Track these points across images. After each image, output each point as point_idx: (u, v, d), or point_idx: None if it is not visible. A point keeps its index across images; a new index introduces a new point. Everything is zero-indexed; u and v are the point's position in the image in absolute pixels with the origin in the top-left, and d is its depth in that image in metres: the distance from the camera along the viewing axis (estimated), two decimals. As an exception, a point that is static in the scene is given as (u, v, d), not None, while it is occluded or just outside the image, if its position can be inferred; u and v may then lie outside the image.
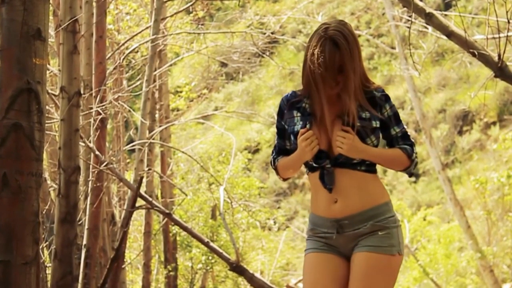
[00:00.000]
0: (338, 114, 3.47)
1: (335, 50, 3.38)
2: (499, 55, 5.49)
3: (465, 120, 23.76)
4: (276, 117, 3.64)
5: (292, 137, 3.51)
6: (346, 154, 3.41)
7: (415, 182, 23.47)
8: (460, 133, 23.61)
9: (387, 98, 3.54)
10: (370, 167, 3.51)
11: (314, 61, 3.37)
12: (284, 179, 3.73)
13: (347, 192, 3.47)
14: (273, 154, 3.66)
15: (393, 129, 3.53)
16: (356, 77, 3.44)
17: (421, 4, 5.74)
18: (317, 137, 3.44)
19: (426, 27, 13.88)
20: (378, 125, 3.47)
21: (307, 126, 3.45)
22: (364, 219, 3.46)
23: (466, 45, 5.51)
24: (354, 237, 3.47)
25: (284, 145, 3.62)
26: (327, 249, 3.53)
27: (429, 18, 5.63)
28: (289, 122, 3.54)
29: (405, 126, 3.59)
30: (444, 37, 5.85)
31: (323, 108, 3.45)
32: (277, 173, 3.69)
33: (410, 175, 3.70)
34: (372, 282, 3.43)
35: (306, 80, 3.44)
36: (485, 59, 5.56)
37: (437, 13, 5.69)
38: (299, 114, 3.51)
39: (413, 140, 3.61)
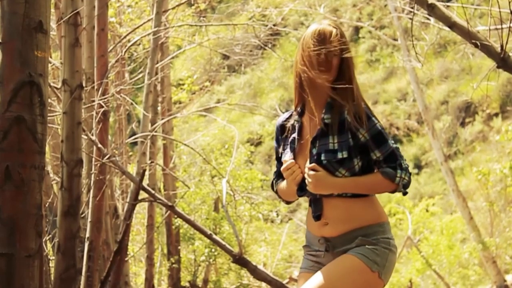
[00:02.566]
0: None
1: (336, 30, 3.35)
2: (501, 46, 5.47)
3: (467, 111, 23.73)
4: (274, 142, 3.63)
5: (279, 165, 3.56)
6: (315, 192, 3.35)
7: (417, 173, 23.44)
8: (463, 124, 23.58)
9: (361, 121, 3.31)
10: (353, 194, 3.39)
11: (306, 63, 3.32)
12: (288, 203, 3.68)
13: (336, 217, 3.37)
14: (274, 177, 3.65)
15: (373, 154, 3.34)
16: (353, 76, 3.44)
17: (423, -5, 5.72)
18: (301, 165, 3.38)
19: (428, 18, 13.85)
20: (345, 156, 3.28)
21: (291, 156, 3.41)
22: (354, 237, 3.34)
23: (469, 36, 5.49)
24: (339, 255, 3.37)
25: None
26: (317, 269, 3.41)
27: (431, 9, 5.61)
28: (282, 148, 3.53)
29: (390, 145, 3.33)
30: (447, 28, 5.84)
31: (311, 122, 3.40)
32: (279, 197, 3.66)
33: (404, 194, 3.48)
34: (336, 277, 3.25)
35: (299, 88, 3.41)
36: (487, 50, 5.55)
37: (439, 4, 5.68)
38: (287, 141, 3.48)
39: (400, 159, 3.36)
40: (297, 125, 3.43)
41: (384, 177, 3.34)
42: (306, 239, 3.55)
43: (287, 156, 3.41)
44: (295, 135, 3.42)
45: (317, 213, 3.39)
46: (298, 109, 3.45)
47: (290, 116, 3.50)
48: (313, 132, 3.37)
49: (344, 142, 3.29)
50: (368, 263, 3.24)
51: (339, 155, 3.29)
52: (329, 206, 3.37)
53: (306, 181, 3.33)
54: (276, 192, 3.64)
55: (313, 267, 3.45)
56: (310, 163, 3.33)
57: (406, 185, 3.39)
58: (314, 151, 3.34)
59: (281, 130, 3.53)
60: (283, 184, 3.53)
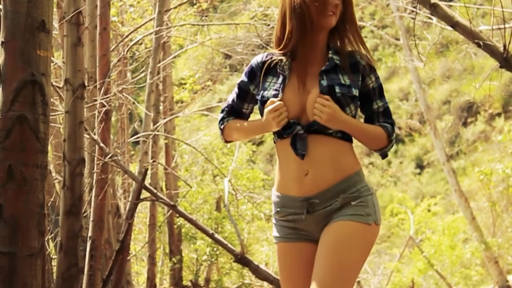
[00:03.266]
0: (318, 73, 3.15)
1: None
2: (504, 46, 5.47)
3: (469, 111, 23.71)
4: (243, 76, 3.30)
5: (259, 103, 3.22)
6: (325, 124, 3.09)
7: (419, 173, 23.45)
8: (465, 124, 23.57)
9: (372, 68, 3.22)
10: (346, 134, 3.17)
11: None
12: (227, 142, 3.42)
13: (320, 162, 3.11)
14: (223, 113, 3.35)
15: (375, 103, 3.22)
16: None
17: (425, -6, 5.71)
18: (289, 104, 3.12)
19: (430, 18, 13.84)
20: (357, 94, 3.14)
21: (279, 95, 3.13)
22: (335, 194, 3.11)
23: (471, 35, 5.49)
24: (325, 215, 3.13)
25: (240, 108, 3.33)
26: (295, 237, 3.21)
27: (434, 9, 5.61)
28: (259, 86, 3.23)
29: (387, 102, 3.29)
30: (449, 28, 5.84)
31: (307, 64, 3.16)
32: (222, 134, 3.37)
33: (384, 156, 3.32)
34: (343, 251, 3.03)
35: (297, 24, 3.13)
36: (490, 50, 5.55)
37: (442, 4, 5.68)
38: (273, 79, 3.20)
39: (393, 119, 3.30)
40: (287, 64, 3.17)
41: (384, 131, 3.22)
42: (277, 203, 3.23)
43: (270, 95, 3.14)
44: (284, 74, 3.16)
45: (303, 151, 3.09)
46: (284, 50, 3.19)
47: (272, 56, 3.22)
48: (312, 70, 3.16)
49: (355, 82, 3.14)
50: (363, 220, 3.09)
51: (354, 92, 3.12)
52: (316, 146, 3.11)
53: (315, 111, 3.07)
54: (222, 129, 3.34)
55: (291, 235, 3.21)
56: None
57: (392, 146, 3.29)
58: (324, 83, 3.11)
59: (262, 67, 3.22)
60: (243, 124, 3.27)
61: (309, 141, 3.12)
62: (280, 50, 3.20)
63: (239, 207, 15.55)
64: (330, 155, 3.12)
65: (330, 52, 3.18)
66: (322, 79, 3.13)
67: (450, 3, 7.58)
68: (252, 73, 3.26)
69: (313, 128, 3.12)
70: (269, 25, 13.69)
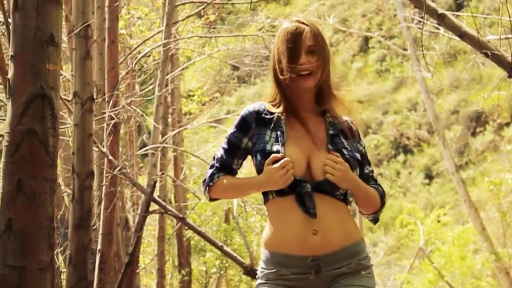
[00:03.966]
0: (320, 134, 3.09)
1: (307, 28, 3.07)
2: (512, 55, 5.46)
3: (478, 121, 23.67)
4: (233, 129, 3.13)
5: (259, 157, 3.04)
6: (337, 183, 2.99)
7: (428, 184, 23.40)
8: (474, 134, 23.52)
9: (359, 135, 3.19)
10: (346, 197, 3.09)
11: (282, 59, 3.04)
12: (212, 200, 3.23)
13: (328, 222, 2.98)
14: (213, 169, 3.15)
15: (366, 168, 3.17)
16: (328, 75, 3.11)
17: (433, 5, 5.72)
18: (294, 161, 2.99)
19: (438, 28, 13.82)
20: (360, 158, 3.11)
21: (282, 150, 3.00)
22: (346, 256, 3.00)
23: (479, 45, 5.48)
24: (331, 277, 2.99)
25: (230, 163, 3.15)
26: None
27: (441, 19, 5.60)
28: (256, 139, 3.07)
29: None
30: (457, 38, 5.83)
31: (303, 121, 3.08)
32: (208, 191, 3.17)
33: (376, 221, 3.25)
34: None
35: (278, 87, 3.09)
36: (498, 60, 5.54)
37: (449, 14, 5.67)
38: (273, 132, 3.06)
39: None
40: (282, 119, 3.07)
41: (378, 194, 3.16)
42: (275, 263, 3.02)
43: (274, 149, 3.00)
44: (281, 129, 3.05)
45: (314, 210, 2.96)
46: (275, 102, 3.12)
47: (264, 107, 3.11)
48: (311, 129, 3.09)
49: (354, 147, 3.12)
50: None
51: (357, 155, 3.09)
52: (323, 206, 2.99)
53: (326, 169, 2.97)
54: (210, 186, 3.15)
55: None
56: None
57: (380, 213, 3.23)
58: (331, 147, 3.04)
59: (256, 118, 3.09)
60: (237, 181, 3.13)
61: (317, 201, 2.99)
62: (272, 104, 3.12)
63: (248, 219, 15.54)
64: (337, 216, 3.02)
65: (328, 116, 3.13)
66: (329, 142, 3.07)
67: (458, 13, 7.58)
68: (245, 125, 3.10)
69: (322, 188, 3.00)
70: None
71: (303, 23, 3.08)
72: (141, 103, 13.01)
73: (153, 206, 8.78)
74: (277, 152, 3.00)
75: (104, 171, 7.80)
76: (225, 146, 3.14)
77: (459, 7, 23.83)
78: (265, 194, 3.09)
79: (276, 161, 2.98)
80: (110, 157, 7.65)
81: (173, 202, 14.82)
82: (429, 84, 17.03)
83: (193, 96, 17.38)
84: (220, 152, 3.17)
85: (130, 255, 7.73)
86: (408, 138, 24.42)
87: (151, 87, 12.02)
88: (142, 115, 11.96)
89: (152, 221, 15.22)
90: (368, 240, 20.82)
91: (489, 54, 5.46)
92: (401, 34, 22.40)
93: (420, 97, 21.68)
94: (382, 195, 3.17)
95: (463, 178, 16.82)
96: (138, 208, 10.03)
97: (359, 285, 2.99)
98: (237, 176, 3.20)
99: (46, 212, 3.53)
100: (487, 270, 15.85)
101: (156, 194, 9.03)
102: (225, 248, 8.24)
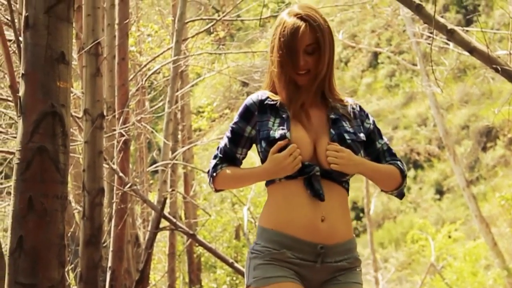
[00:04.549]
0: (321, 118, 3.04)
1: (305, 25, 2.95)
2: (522, 70, 5.45)
3: (488, 136, 23.61)
4: (236, 119, 3.09)
5: (263, 144, 2.98)
6: (343, 170, 2.94)
7: (439, 199, 23.32)
8: (484, 149, 23.45)
9: (365, 112, 3.14)
10: (348, 185, 3.05)
11: (281, 45, 2.96)
12: (218, 191, 3.17)
13: (335, 210, 2.94)
14: (216, 160, 3.09)
15: (378, 142, 3.11)
16: (329, 69, 3.02)
17: (442, 20, 5.72)
18: (300, 145, 2.94)
19: (447, 43, 13.84)
20: (364, 139, 3.05)
21: (287, 135, 2.93)
22: (346, 250, 2.96)
23: (489, 60, 5.48)
24: (332, 270, 2.94)
25: (234, 153, 3.08)
26: (298, 280, 2.91)
27: (450, 35, 5.60)
28: (260, 126, 3.01)
29: (388, 142, 3.19)
30: (466, 53, 5.82)
31: (305, 107, 3.02)
32: (213, 182, 3.11)
33: (402, 196, 3.18)
34: None
35: (279, 75, 3.01)
36: (508, 74, 5.53)
37: (458, 29, 5.67)
38: (276, 119, 3.00)
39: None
40: (285, 105, 3.01)
41: (397, 168, 3.08)
42: (280, 244, 2.92)
43: (278, 135, 2.93)
44: (285, 114, 2.98)
45: (322, 192, 2.90)
46: (272, 91, 3.08)
47: (267, 95, 3.06)
48: (312, 113, 3.03)
49: (358, 127, 3.04)
50: None
51: (361, 136, 3.02)
52: (331, 193, 2.93)
53: (329, 160, 2.92)
54: (214, 177, 3.08)
55: (295, 277, 2.90)
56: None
57: (405, 187, 3.16)
58: (333, 131, 2.98)
59: (259, 106, 3.03)
60: (242, 171, 3.07)
61: (324, 186, 2.94)
62: (272, 92, 3.08)
63: (258, 235, 15.51)
64: (341, 206, 2.97)
65: (330, 100, 3.07)
66: (331, 127, 3.02)
67: (467, 29, 7.58)
68: (248, 114, 3.05)
69: (330, 175, 2.96)
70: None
71: (302, 18, 2.97)
72: (151, 119, 13.05)
73: (164, 223, 8.77)
74: (283, 137, 2.94)
75: (115, 188, 7.81)
76: (229, 135, 3.09)
77: (468, 22, 23.83)
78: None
79: (281, 148, 2.93)
80: (121, 174, 7.66)
81: (183, 218, 14.82)
82: (439, 99, 17.01)
83: (203, 112, 17.42)
84: (223, 142, 3.11)
85: (140, 272, 7.72)
86: (418, 154, 24.36)
87: (161, 103, 12.06)
88: (152, 132, 11.99)
89: (163, 237, 15.22)
90: (379, 256, 20.75)
91: (499, 69, 5.45)
92: (410, 49, 22.39)
93: (430, 112, 21.66)
94: (402, 169, 3.09)
95: (474, 193, 16.76)
96: (149, 224, 10.03)
97: (355, 282, 2.95)
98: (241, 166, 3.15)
99: (57, 230, 3.53)
100: (499, 286, 15.75)
101: (166, 211, 9.04)
102: (236, 264, 8.21)
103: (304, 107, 3.01)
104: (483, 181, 22.50)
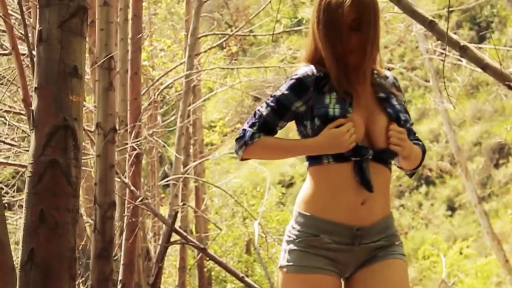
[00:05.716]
0: (370, 94, 2.91)
1: (343, 6, 2.79)
2: (535, 88, 5.44)
3: (501, 152, 23.52)
4: (285, 90, 2.88)
5: (317, 121, 2.81)
6: (401, 153, 2.85)
7: (451, 215, 23.22)
8: (497, 166, 23.36)
9: (399, 84, 3.05)
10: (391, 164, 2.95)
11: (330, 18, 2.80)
12: (244, 159, 2.96)
13: (376, 194, 2.82)
14: (254, 127, 2.88)
15: (408, 123, 3.01)
16: (376, 45, 2.88)
17: (455, 37, 5.72)
18: (355, 126, 2.81)
19: (460, 60, 13.83)
20: (409, 118, 2.99)
21: (348, 114, 2.80)
22: (381, 229, 2.87)
23: (502, 77, 5.47)
24: (369, 250, 2.85)
25: (275, 125, 2.89)
26: (329, 268, 2.81)
27: (463, 51, 5.60)
28: (315, 103, 2.83)
29: None
30: (479, 70, 5.82)
31: (355, 86, 2.87)
32: (244, 149, 2.90)
33: (412, 175, 3.14)
34: None
35: (326, 53, 2.84)
36: (521, 92, 5.52)
37: (471, 46, 5.67)
38: (333, 95, 2.83)
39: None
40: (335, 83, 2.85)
41: (421, 149, 3.02)
42: (318, 228, 2.81)
43: (338, 113, 2.79)
44: (341, 91, 2.83)
45: (371, 184, 2.79)
46: (318, 65, 2.89)
47: (320, 70, 2.88)
48: (362, 92, 2.89)
49: (402, 105, 2.97)
50: (405, 261, 2.93)
51: (407, 116, 2.97)
52: (375, 174, 2.82)
53: (392, 141, 2.83)
54: (249, 145, 2.87)
55: (330, 267, 2.81)
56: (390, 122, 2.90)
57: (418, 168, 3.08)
58: (391, 111, 2.90)
59: (315, 81, 2.84)
60: (286, 142, 2.89)
61: (371, 170, 2.83)
62: (321, 67, 2.88)
63: (269, 250, 15.47)
64: (383, 187, 2.86)
65: (375, 77, 2.95)
66: (386, 106, 2.92)
67: (480, 45, 7.58)
68: (302, 88, 2.85)
69: (380, 156, 2.85)
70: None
71: None
72: (163, 133, 13.08)
73: (174, 237, 8.78)
74: (343, 115, 2.79)
75: (126, 201, 7.83)
76: (273, 104, 2.88)
77: (481, 39, 23.81)
78: (317, 158, 2.86)
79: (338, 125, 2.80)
80: (132, 188, 7.68)
81: (194, 232, 14.82)
82: (451, 115, 16.97)
83: (214, 127, 17.45)
84: (264, 110, 2.90)
85: (151, 285, 7.72)
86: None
87: (173, 118, 12.09)
88: (164, 146, 12.01)
89: (173, 251, 15.21)
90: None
91: (512, 86, 5.44)
92: (423, 65, 22.38)
93: (442, 129, 21.61)
94: (424, 150, 3.04)
95: (486, 210, 16.67)
96: (160, 238, 10.04)
97: (396, 253, 2.86)
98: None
99: (68, 243, 3.54)
100: (511, 304, 15.65)
101: (177, 225, 9.03)
102: (246, 279, 8.19)
103: (354, 86, 2.86)
104: (495, 198, 22.40)
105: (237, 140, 2.93)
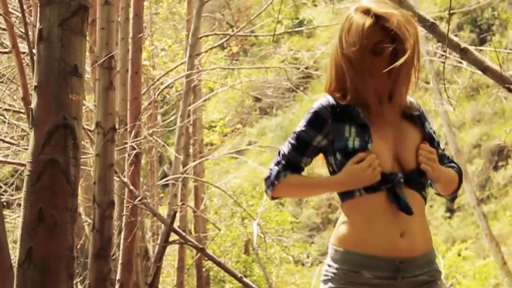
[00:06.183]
0: (397, 118, 2.77)
1: (365, 30, 2.64)
2: (535, 90, 5.44)
3: (500, 155, 23.52)
4: (303, 126, 2.77)
5: (339, 156, 2.71)
6: (430, 174, 2.71)
7: (450, 217, 23.23)
8: (496, 168, 23.37)
9: (425, 115, 2.90)
10: (426, 192, 2.80)
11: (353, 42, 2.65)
12: (274, 198, 2.89)
13: (414, 224, 2.70)
14: (279, 167, 2.80)
15: (439, 148, 2.90)
16: (406, 74, 2.70)
17: (456, 39, 5.72)
18: (380, 155, 2.68)
19: (460, 62, 13.82)
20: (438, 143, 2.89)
21: (369, 146, 2.68)
22: (426, 263, 2.74)
23: (502, 80, 5.46)
24: (412, 285, 2.71)
25: (299, 162, 2.80)
26: None
27: (464, 53, 5.60)
28: (335, 136, 2.72)
29: None
30: (479, 72, 5.82)
31: (381, 112, 2.73)
32: (272, 189, 2.83)
33: (454, 199, 3.01)
34: None
35: (351, 77, 2.71)
36: (521, 94, 5.52)
37: (472, 48, 5.67)
38: (352, 126, 2.71)
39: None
40: (358, 109, 2.72)
41: (456, 172, 2.88)
42: (356, 264, 2.69)
43: (358, 146, 2.68)
44: (361, 121, 2.70)
45: (409, 206, 2.65)
46: (337, 94, 2.77)
47: (337, 101, 2.75)
48: (388, 118, 2.76)
49: (427, 133, 2.81)
50: None
51: (436, 138, 2.89)
52: (411, 202, 2.68)
53: (420, 159, 2.70)
54: (276, 184, 2.80)
55: None
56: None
57: (457, 192, 2.96)
58: (426, 130, 2.80)
59: (333, 113, 2.73)
60: (305, 179, 2.79)
61: (408, 197, 2.69)
62: (338, 95, 2.77)
63: (267, 250, 15.48)
64: (421, 217, 2.74)
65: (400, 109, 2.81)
66: (420, 124, 2.81)
67: (481, 48, 7.57)
68: (320, 121, 2.74)
69: (410, 178, 2.71)
70: (299, 68, 13.76)
71: (369, 12, 2.66)
72: (162, 133, 13.07)
73: (173, 236, 8.78)
74: (363, 148, 2.68)
75: (125, 201, 7.82)
76: (294, 142, 2.80)
77: (482, 41, 23.81)
78: (348, 192, 2.73)
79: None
80: (131, 187, 7.67)
81: (193, 232, 14.82)
82: (451, 117, 16.98)
83: (214, 127, 17.46)
84: (286, 148, 2.82)
85: (149, 285, 7.72)
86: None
87: (173, 117, 12.09)
88: (163, 146, 12.01)
89: (172, 251, 15.21)
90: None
91: (512, 88, 5.44)
92: (423, 67, 22.40)
93: (442, 130, 21.60)
94: (460, 173, 2.91)
95: (485, 212, 16.67)
96: (158, 238, 10.03)
97: None
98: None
99: (66, 242, 3.54)
100: (509, 306, 15.66)
101: (176, 224, 9.03)
102: (245, 279, 8.19)
103: (380, 113, 2.74)
104: (493, 200, 22.41)
105: (265, 180, 2.88)
